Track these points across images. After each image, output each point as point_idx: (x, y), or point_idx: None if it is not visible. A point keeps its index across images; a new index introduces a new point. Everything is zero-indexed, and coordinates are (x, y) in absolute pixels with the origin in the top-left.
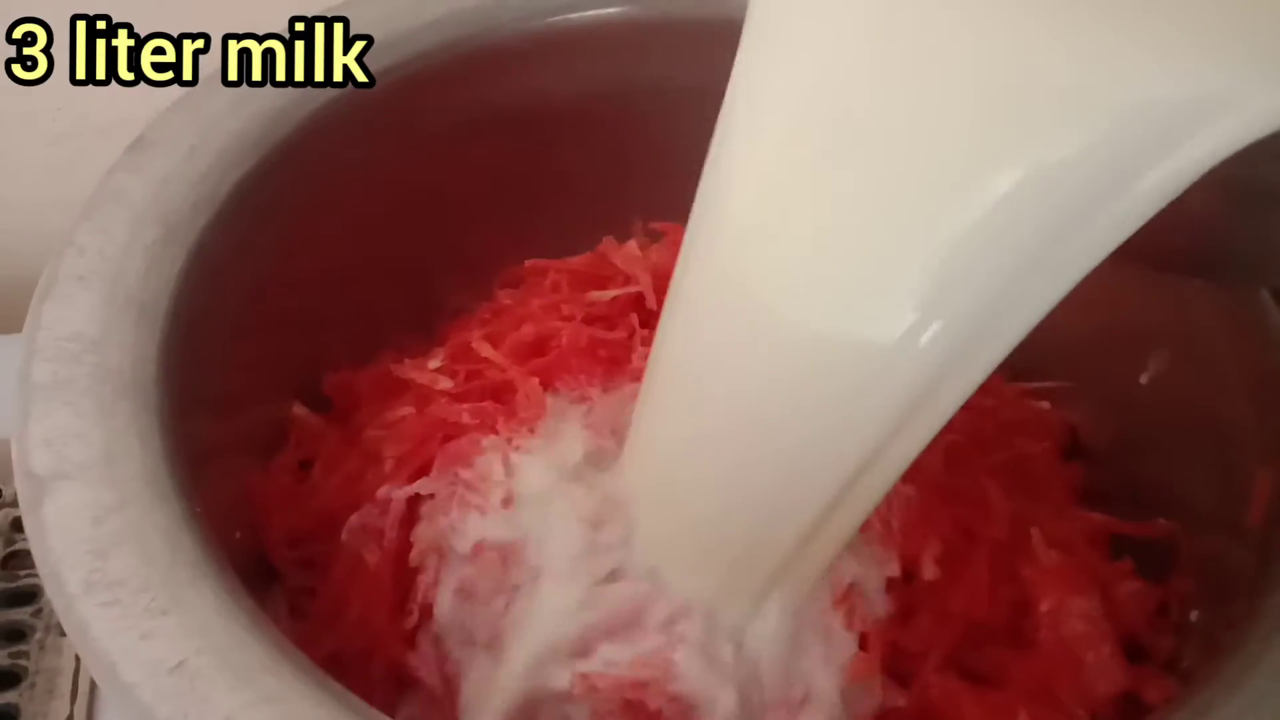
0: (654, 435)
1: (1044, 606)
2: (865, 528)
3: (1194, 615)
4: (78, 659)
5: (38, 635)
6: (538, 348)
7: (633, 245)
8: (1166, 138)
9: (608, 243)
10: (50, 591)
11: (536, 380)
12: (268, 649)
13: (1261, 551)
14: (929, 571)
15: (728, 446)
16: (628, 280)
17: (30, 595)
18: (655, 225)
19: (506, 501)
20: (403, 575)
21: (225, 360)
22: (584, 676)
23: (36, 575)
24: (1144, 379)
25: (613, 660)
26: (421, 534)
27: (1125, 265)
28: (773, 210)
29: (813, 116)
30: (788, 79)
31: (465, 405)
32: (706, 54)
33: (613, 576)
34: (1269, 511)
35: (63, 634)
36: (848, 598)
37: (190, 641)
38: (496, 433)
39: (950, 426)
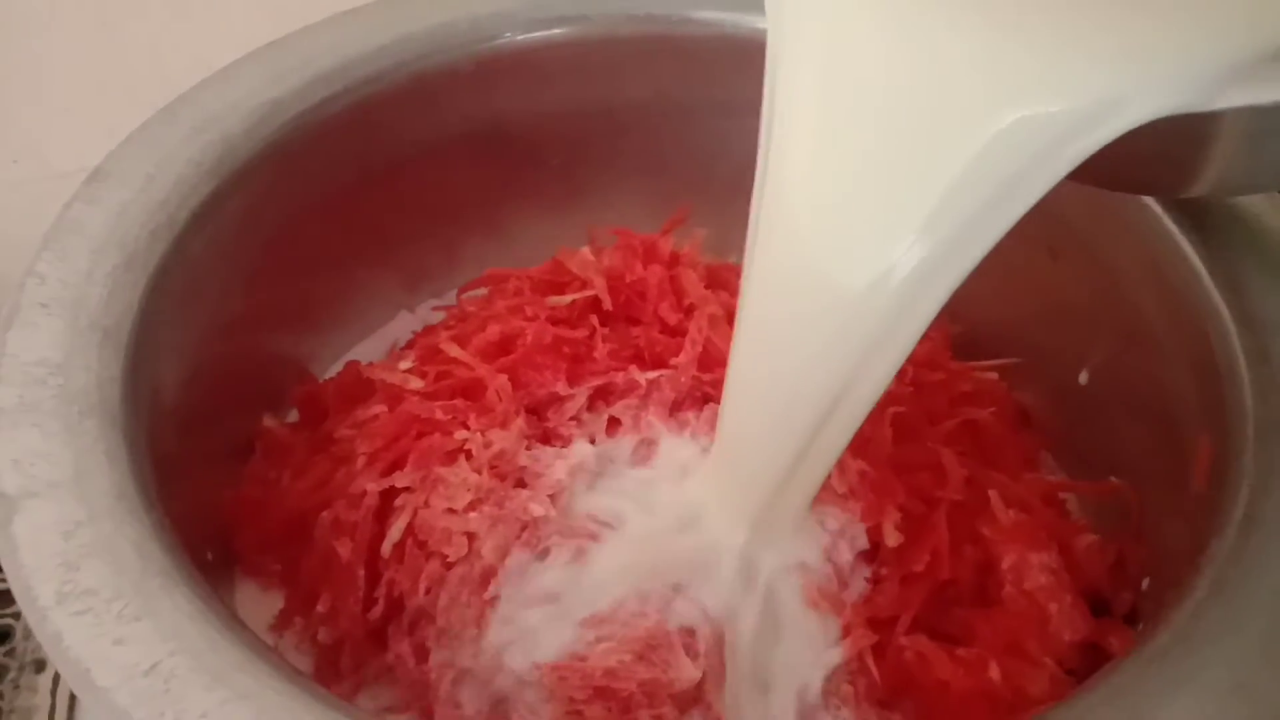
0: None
1: (1006, 563)
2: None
3: (1145, 583)
4: (53, 695)
5: (11, 674)
6: (504, 347)
7: (586, 252)
8: (1081, 125)
9: (564, 251)
10: (23, 606)
11: (505, 377)
12: (241, 649)
13: (1204, 513)
14: (891, 538)
15: (764, 391)
16: (584, 285)
17: (3, 635)
18: (608, 231)
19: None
20: (375, 567)
21: (190, 378)
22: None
23: (8, 616)
24: (1083, 377)
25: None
26: (397, 525)
27: (1070, 253)
28: (814, 183)
29: (839, 106)
30: (818, 83)
31: (437, 403)
32: (651, 71)
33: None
34: (1210, 476)
35: (37, 671)
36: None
37: (164, 645)
38: (468, 428)
39: (899, 400)
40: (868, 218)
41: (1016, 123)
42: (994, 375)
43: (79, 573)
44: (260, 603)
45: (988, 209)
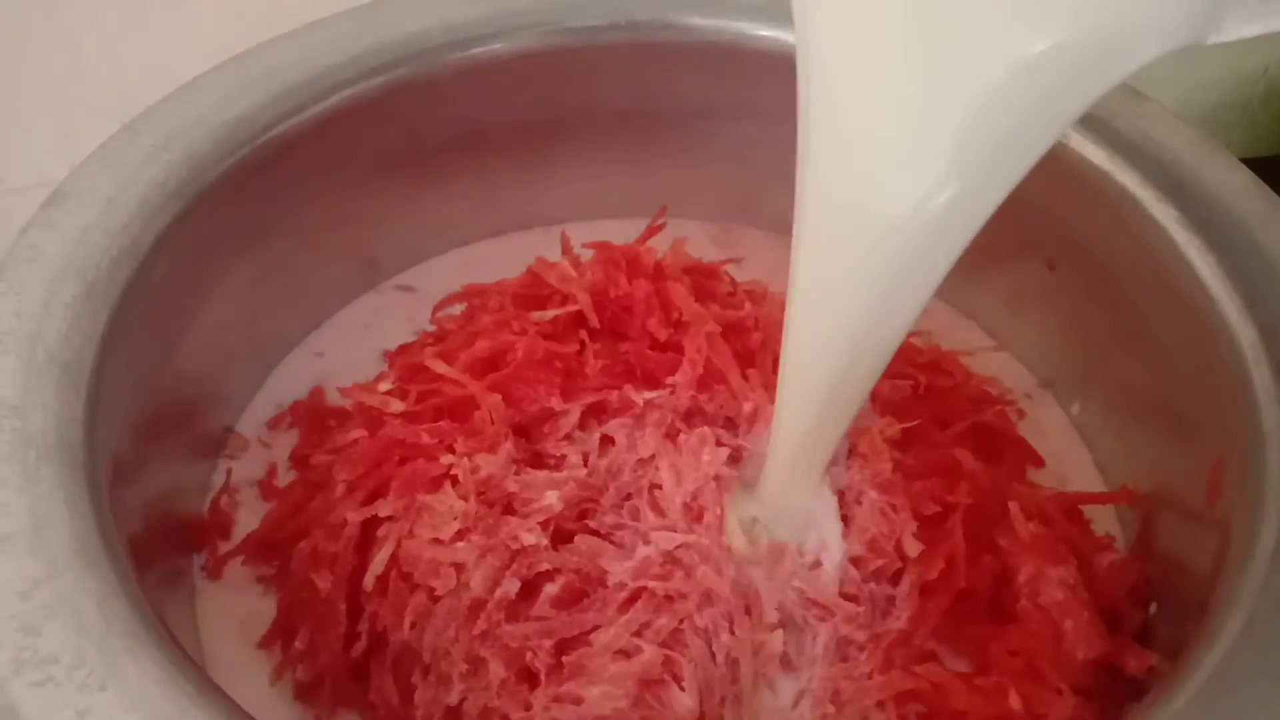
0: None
1: (1022, 576)
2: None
3: (1153, 608)
4: None
5: None
6: (493, 362)
7: (565, 265)
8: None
9: (540, 262)
10: None
11: (499, 396)
12: (214, 716)
13: (1226, 537)
14: (911, 548)
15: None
16: (565, 300)
17: None
18: (586, 245)
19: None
20: (356, 601)
21: (159, 411)
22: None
23: None
24: (1074, 409)
25: None
26: (380, 557)
27: (1069, 263)
28: (858, 119)
29: (875, 39)
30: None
31: (421, 426)
32: (630, 78)
33: None
34: (1219, 495)
35: None
36: None
37: (131, 715)
38: (454, 452)
39: (910, 406)
40: (907, 148)
41: (1044, 56)
42: (998, 380)
43: (38, 637)
44: (233, 624)
45: (1011, 143)
